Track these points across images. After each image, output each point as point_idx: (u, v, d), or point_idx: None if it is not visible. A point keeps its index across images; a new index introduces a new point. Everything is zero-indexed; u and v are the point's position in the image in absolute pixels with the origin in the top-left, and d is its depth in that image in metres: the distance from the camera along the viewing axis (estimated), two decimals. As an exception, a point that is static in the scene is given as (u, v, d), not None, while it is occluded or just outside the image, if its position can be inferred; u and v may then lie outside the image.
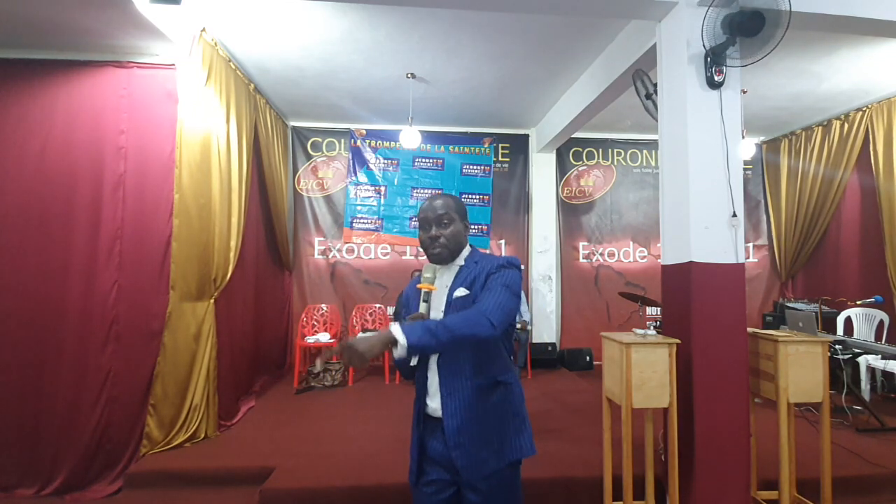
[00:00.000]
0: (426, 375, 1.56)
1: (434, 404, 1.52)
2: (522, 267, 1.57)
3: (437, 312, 1.56)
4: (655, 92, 3.07)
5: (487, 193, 6.22)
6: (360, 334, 1.36)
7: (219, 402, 3.56)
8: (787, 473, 2.48)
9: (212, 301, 3.55)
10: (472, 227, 6.09)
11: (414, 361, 1.51)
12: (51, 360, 3.17)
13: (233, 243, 3.83)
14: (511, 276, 1.52)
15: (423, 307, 1.52)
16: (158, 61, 3.37)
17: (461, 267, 1.58)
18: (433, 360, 1.55)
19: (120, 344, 3.22)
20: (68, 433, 3.13)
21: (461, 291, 1.52)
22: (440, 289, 1.57)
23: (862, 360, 4.33)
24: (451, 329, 1.35)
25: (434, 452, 1.54)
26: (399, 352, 1.30)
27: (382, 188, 6.09)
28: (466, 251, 1.62)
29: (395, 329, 1.31)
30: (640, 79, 3.26)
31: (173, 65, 3.35)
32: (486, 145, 6.24)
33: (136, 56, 3.37)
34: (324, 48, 3.97)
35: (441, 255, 1.55)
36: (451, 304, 1.53)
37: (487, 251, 1.57)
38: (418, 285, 1.56)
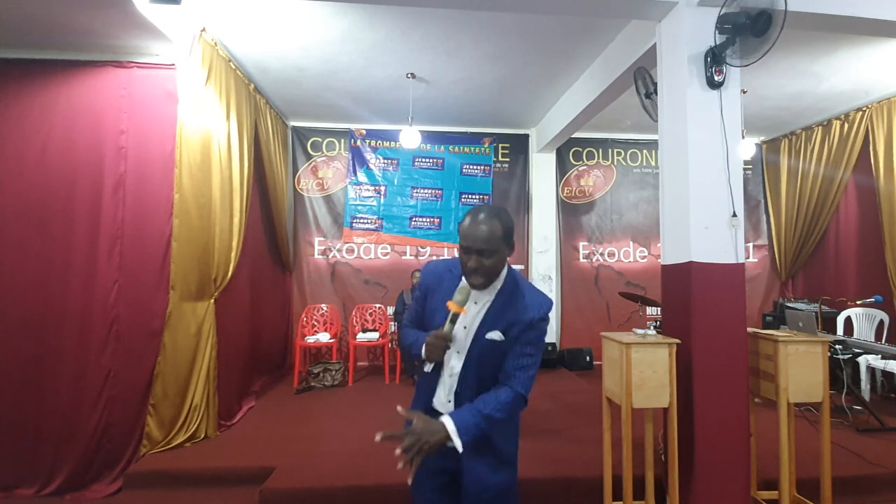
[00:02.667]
0: (434, 388, 1.61)
1: (442, 408, 1.58)
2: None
3: (461, 350, 1.53)
4: (655, 91, 3.07)
5: (487, 193, 6.22)
6: (421, 423, 1.39)
7: (219, 402, 3.56)
8: (787, 473, 2.48)
9: (212, 301, 3.55)
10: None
11: (429, 368, 1.56)
12: (51, 360, 3.17)
13: (234, 243, 3.83)
14: (544, 333, 1.54)
15: (448, 327, 1.48)
16: (158, 61, 3.37)
17: (497, 293, 1.52)
18: (453, 366, 1.56)
19: (120, 344, 3.22)
20: (68, 433, 3.13)
21: (495, 335, 1.48)
22: (474, 316, 1.52)
23: (862, 360, 4.33)
24: (497, 421, 1.44)
25: None
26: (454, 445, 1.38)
27: (382, 188, 6.09)
28: (504, 272, 1.55)
29: (451, 429, 1.37)
30: (642, 77, 3.26)
31: (173, 65, 3.35)
32: (486, 145, 6.24)
33: (136, 56, 3.37)
34: (324, 48, 3.97)
35: (482, 285, 1.48)
36: (481, 344, 1.50)
37: (523, 282, 1.56)
38: (449, 303, 1.49)
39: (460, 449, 1.37)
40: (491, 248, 1.44)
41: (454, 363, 1.55)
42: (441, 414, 1.48)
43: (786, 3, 2.20)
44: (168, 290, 3.23)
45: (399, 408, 1.45)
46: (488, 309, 1.51)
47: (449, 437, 1.36)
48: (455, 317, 1.48)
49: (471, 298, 1.51)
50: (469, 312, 1.51)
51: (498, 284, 1.53)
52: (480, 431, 1.41)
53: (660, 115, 2.94)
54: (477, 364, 1.52)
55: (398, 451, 1.33)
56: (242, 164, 3.99)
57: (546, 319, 1.52)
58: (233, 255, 3.81)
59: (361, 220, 6.05)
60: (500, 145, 6.30)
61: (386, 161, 6.10)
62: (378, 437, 1.35)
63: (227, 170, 3.74)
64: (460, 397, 1.54)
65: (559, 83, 4.79)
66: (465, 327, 1.52)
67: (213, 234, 3.55)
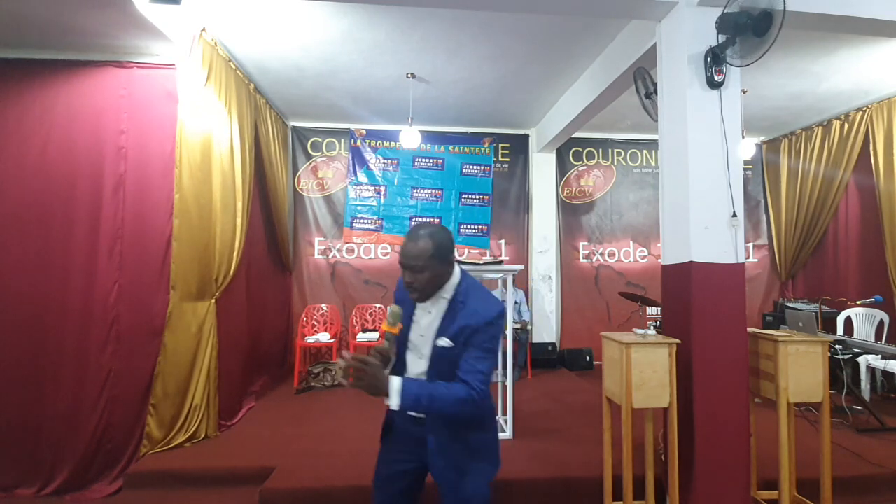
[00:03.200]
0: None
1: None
2: (506, 310, 1.63)
3: (422, 356, 1.62)
4: (655, 91, 3.07)
5: (487, 193, 6.22)
6: (377, 369, 1.45)
7: (219, 402, 3.56)
8: (787, 473, 2.48)
9: (213, 301, 3.55)
10: (473, 227, 6.12)
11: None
12: (51, 360, 3.17)
13: (236, 244, 3.84)
14: (495, 335, 1.57)
15: (385, 345, 1.57)
16: (158, 61, 3.37)
17: (449, 301, 1.59)
18: (412, 369, 1.65)
19: (120, 344, 3.22)
20: (69, 433, 3.13)
21: (444, 342, 1.56)
22: (428, 324, 1.61)
23: (862, 360, 4.33)
24: (439, 408, 1.48)
25: (399, 428, 1.69)
26: (390, 404, 1.45)
27: (382, 188, 6.09)
28: (454, 281, 1.61)
29: (395, 388, 1.44)
30: (642, 77, 3.26)
31: (173, 65, 3.35)
32: (486, 145, 6.24)
33: (136, 56, 3.37)
34: (324, 48, 3.97)
35: (419, 298, 1.58)
36: (436, 353, 1.58)
37: (476, 287, 1.64)
38: (381, 327, 1.62)
39: (394, 406, 1.43)
40: (420, 265, 1.52)
41: (419, 367, 1.63)
42: (419, 418, 1.60)
43: (784, 3, 2.20)
44: (168, 290, 3.23)
45: (344, 352, 1.50)
46: (442, 317, 1.59)
47: (387, 392, 1.44)
48: (390, 335, 1.58)
49: (424, 309, 1.62)
50: (425, 324, 1.62)
51: (447, 294, 1.60)
52: (419, 405, 1.47)
53: (660, 115, 2.94)
54: (436, 368, 1.59)
55: (345, 357, 1.43)
56: (243, 164, 3.99)
57: (492, 324, 1.55)
58: (234, 255, 3.81)
59: (361, 220, 6.05)
60: (500, 145, 6.30)
61: (386, 161, 6.10)
62: (345, 356, 1.44)
63: (227, 170, 3.74)
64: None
65: (559, 83, 4.79)
66: (421, 335, 1.63)
67: (214, 234, 3.55)
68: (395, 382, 1.44)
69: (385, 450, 1.73)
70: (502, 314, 1.60)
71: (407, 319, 1.63)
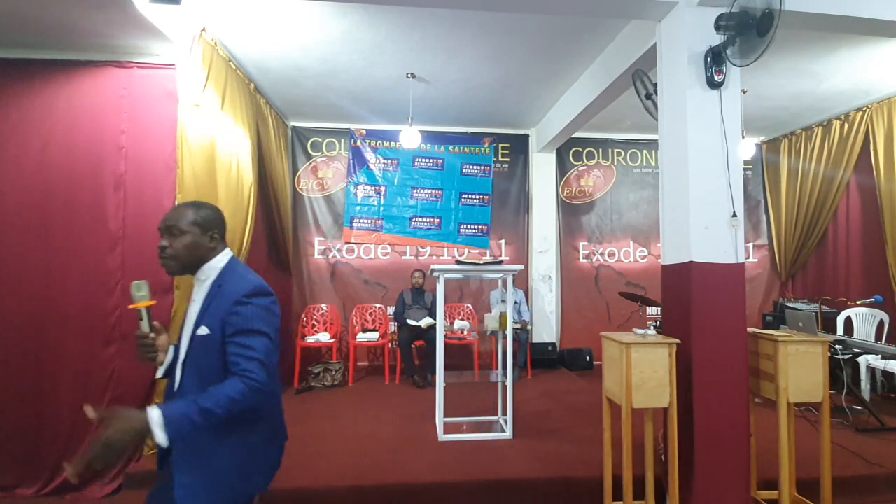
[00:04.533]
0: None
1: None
2: (272, 291, 1.47)
3: (182, 346, 1.47)
4: (655, 92, 3.07)
5: (487, 193, 6.22)
6: (113, 419, 1.21)
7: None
8: (787, 473, 2.48)
9: (219, 301, 3.56)
10: (473, 227, 6.11)
11: (160, 374, 1.50)
12: (53, 360, 3.17)
13: (244, 244, 3.86)
14: (260, 313, 1.39)
15: (142, 325, 1.47)
16: (158, 61, 3.37)
17: (211, 285, 1.47)
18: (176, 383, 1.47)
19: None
20: (70, 433, 3.13)
21: (203, 330, 1.40)
22: (192, 315, 1.47)
23: (862, 360, 4.33)
24: (217, 416, 1.27)
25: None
26: (158, 442, 1.22)
27: (382, 188, 6.09)
28: (217, 264, 1.49)
29: (155, 422, 1.20)
30: (640, 79, 3.26)
31: (173, 65, 3.35)
32: (486, 145, 6.24)
33: (136, 56, 3.37)
34: (324, 48, 3.97)
35: (168, 267, 1.46)
36: (195, 341, 1.42)
37: (239, 268, 1.52)
38: (130, 306, 1.50)
39: (163, 443, 1.21)
40: (180, 228, 1.44)
41: (178, 371, 1.47)
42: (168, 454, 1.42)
43: (781, 3, 2.19)
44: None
45: (86, 407, 1.25)
46: (202, 304, 1.45)
47: (149, 430, 1.20)
48: (140, 313, 1.46)
49: (192, 295, 1.50)
50: (190, 313, 1.48)
51: (211, 277, 1.48)
52: (193, 426, 1.24)
53: (660, 115, 2.94)
54: (195, 365, 1.42)
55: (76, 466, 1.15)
56: (246, 164, 4.00)
57: (244, 303, 1.38)
58: (241, 255, 3.83)
59: (361, 220, 6.05)
60: (500, 145, 6.30)
61: (386, 161, 6.10)
62: (69, 471, 1.17)
63: (231, 170, 3.75)
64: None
65: (559, 83, 4.79)
66: (188, 326, 1.48)
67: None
68: (153, 413, 1.21)
69: None
70: (259, 291, 1.42)
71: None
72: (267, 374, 1.35)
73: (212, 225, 1.50)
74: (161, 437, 1.20)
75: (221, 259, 1.51)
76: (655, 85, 3.06)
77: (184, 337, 1.47)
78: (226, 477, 1.41)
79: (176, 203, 3.25)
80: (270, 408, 1.55)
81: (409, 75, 4.50)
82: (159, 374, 1.53)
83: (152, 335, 1.50)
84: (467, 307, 6.01)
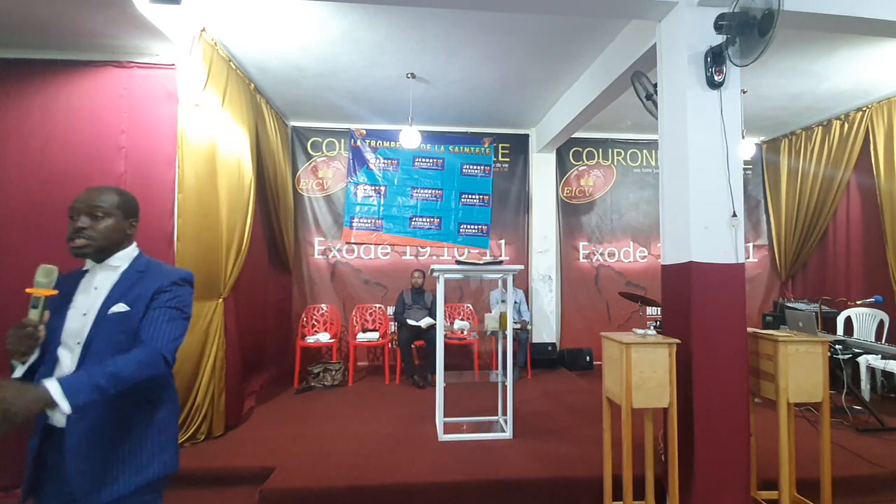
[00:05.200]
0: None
1: (59, 414, 1.27)
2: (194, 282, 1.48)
3: (85, 322, 1.38)
4: (655, 92, 3.07)
5: (487, 193, 6.22)
6: (13, 383, 1.17)
7: (225, 402, 3.56)
8: (787, 473, 2.48)
9: (220, 301, 3.56)
10: (473, 227, 6.11)
11: (19, 373, 1.34)
12: (51, 360, 3.17)
13: (244, 243, 3.87)
14: (185, 296, 1.44)
15: (33, 313, 1.35)
16: (158, 61, 3.37)
17: (123, 272, 1.44)
18: (65, 365, 1.37)
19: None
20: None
21: (120, 307, 1.37)
22: (92, 302, 1.40)
23: (862, 360, 4.33)
24: (123, 379, 1.24)
25: (53, 468, 1.40)
26: (60, 414, 1.17)
27: (382, 188, 6.09)
28: (130, 253, 1.48)
29: (55, 390, 1.14)
30: (639, 80, 3.27)
31: (173, 65, 3.35)
32: (486, 145, 6.24)
33: (136, 56, 3.37)
34: (324, 48, 3.97)
35: (83, 249, 1.40)
36: (107, 320, 1.37)
37: (163, 262, 1.52)
38: (27, 290, 1.36)
39: (67, 410, 1.14)
40: (104, 210, 1.41)
41: (66, 361, 1.37)
42: (61, 430, 1.33)
43: (780, 3, 2.19)
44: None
45: None
46: (112, 289, 1.41)
47: (52, 402, 1.13)
48: (37, 301, 1.35)
49: (92, 284, 1.43)
50: (85, 302, 1.41)
51: (120, 263, 1.46)
52: (100, 392, 1.19)
53: (660, 116, 2.94)
54: (104, 337, 1.36)
55: None
56: (246, 163, 4.00)
57: (180, 284, 1.44)
58: (241, 254, 3.83)
59: (361, 220, 6.05)
60: (500, 145, 6.30)
61: (386, 161, 6.10)
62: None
63: (232, 170, 3.75)
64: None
65: (559, 83, 4.79)
66: (84, 315, 1.39)
67: (220, 233, 3.56)
68: (51, 384, 1.15)
69: None
70: (191, 280, 1.49)
71: (60, 310, 1.40)
72: (175, 353, 1.37)
73: (132, 212, 1.50)
74: (65, 404, 1.14)
75: (134, 249, 1.51)
76: (655, 85, 3.06)
77: (76, 326, 1.38)
78: (135, 457, 1.37)
79: (176, 203, 3.25)
80: (172, 387, 1.52)
81: (409, 75, 4.50)
82: (18, 373, 1.35)
83: (41, 328, 1.38)
84: (467, 307, 6.01)
